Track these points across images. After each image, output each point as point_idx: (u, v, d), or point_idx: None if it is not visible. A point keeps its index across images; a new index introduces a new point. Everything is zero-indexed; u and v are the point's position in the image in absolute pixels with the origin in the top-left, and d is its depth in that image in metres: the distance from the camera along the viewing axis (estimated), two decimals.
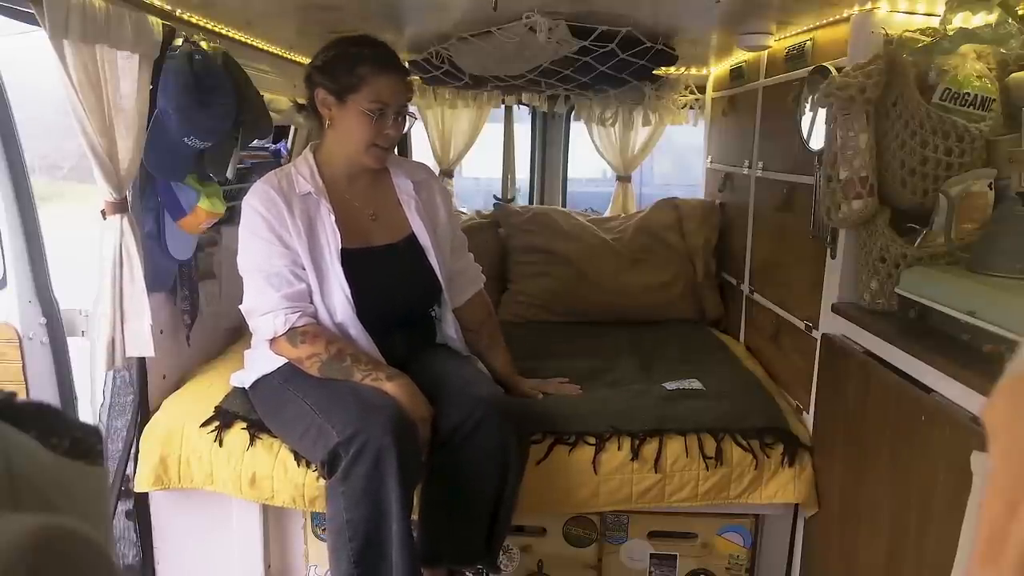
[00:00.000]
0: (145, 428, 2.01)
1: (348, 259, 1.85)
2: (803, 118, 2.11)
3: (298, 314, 1.81)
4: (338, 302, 1.86)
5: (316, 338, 1.81)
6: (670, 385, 2.23)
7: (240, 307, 1.89)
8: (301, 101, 2.06)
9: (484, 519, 1.85)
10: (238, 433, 1.95)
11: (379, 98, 1.81)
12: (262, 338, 1.87)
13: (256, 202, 1.84)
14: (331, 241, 1.85)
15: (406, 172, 2.03)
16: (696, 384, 2.23)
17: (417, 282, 1.98)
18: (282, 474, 1.90)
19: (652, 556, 2.12)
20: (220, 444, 1.93)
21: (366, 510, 1.69)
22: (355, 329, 1.88)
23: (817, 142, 2.00)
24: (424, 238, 1.97)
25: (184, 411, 2.04)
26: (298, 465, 1.89)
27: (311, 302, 1.85)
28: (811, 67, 2.09)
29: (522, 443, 1.87)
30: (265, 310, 1.83)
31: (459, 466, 1.82)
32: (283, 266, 1.82)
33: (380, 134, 1.84)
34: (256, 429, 1.94)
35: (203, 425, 1.97)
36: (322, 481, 1.79)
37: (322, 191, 1.87)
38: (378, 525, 1.69)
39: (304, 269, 1.84)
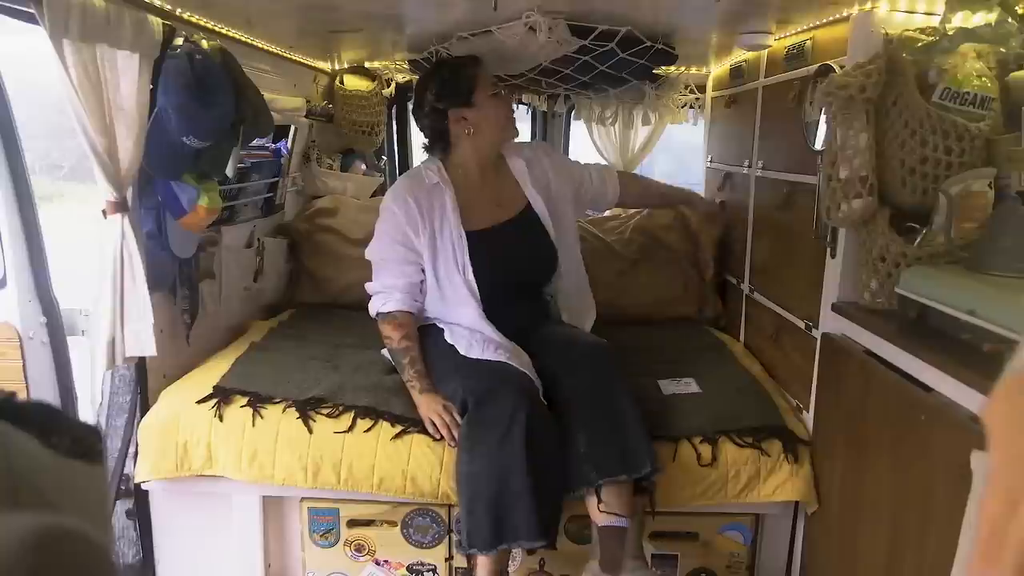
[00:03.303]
0: (143, 418, 2.02)
1: (475, 240, 2.13)
2: (807, 118, 2.11)
3: (393, 302, 2.11)
4: (459, 280, 2.12)
5: (395, 328, 2.10)
6: (668, 386, 2.23)
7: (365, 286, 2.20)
8: (424, 150, 2.29)
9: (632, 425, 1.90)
10: (237, 411, 1.98)
11: (491, 78, 2.21)
12: (371, 314, 2.17)
13: (392, 201, 2.15)
14: (453, 226, 2.12)
15: (518, 153, 2.31)
16: (694, 387, 2.24)
17: (535, 248, 2.23)
18: (285, 447, 1.93)
19: (652, 556, 2.12)
20: (220, 419, 1.96)
21: (493, 464, 1.80)
22: (470, 306, 2.10)
23: (821, 142, 2.00)
24: (539, 205, 2.23)
25: (181, 399, 2.05)
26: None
27: (419, 292, 2.14)
28: (812, 66, 2.09)
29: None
30: (372, 292, 2.16)
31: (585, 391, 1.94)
32: (396, 261, 2.13)
33: (508, 104, 2.23)
34: (257, 402, 1.99)
35: (201, 402, 1.99)
36: (322, 455, 1.93)
37: (447, 183, 2.16)
38: (506, 477, 1.79)
39: (421, 263, 2.12)
